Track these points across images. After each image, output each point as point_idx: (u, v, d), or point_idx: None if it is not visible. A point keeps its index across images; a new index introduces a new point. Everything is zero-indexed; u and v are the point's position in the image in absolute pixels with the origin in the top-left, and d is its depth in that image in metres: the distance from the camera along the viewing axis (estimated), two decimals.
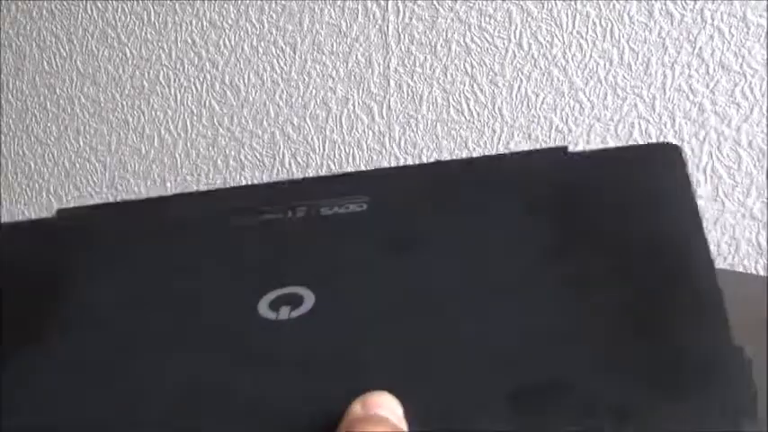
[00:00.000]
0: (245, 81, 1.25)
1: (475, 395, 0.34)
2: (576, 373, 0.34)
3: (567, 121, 0.99)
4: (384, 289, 0.40)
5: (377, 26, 1.11)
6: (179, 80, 1.32)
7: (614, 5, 0.94)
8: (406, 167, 0.49)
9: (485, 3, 1.02)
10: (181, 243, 0.46)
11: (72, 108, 1.47)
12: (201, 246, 0.45)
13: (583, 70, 0.97)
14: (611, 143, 0.96)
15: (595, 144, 0.97)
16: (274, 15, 1.20)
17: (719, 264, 0.91)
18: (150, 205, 0.51)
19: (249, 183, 1.27)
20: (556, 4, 0.97)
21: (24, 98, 1.54)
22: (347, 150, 1.16)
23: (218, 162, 1.30)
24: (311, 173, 1.20)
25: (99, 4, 1.39)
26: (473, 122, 1.05)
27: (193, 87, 1.31)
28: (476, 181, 0.46)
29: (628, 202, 0.42)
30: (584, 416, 0.33)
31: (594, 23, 0.95)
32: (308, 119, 1.20)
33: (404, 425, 0.33)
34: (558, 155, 0.46)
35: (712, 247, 0.91)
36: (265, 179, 1.25)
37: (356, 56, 1.14)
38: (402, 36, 1.09)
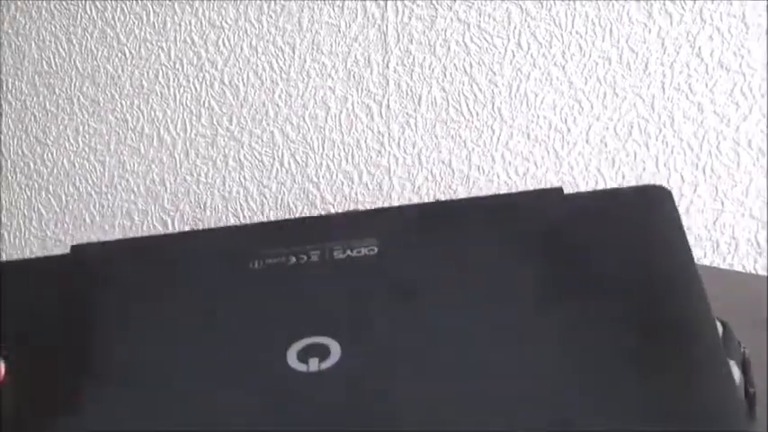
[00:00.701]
0: (245, 81, 1.25)
1: None
2: (582, 418, 0.35)
3: (566, 120, 0.99)
4: (399, 339, 0.41)
5: (376, 26, 1.11)
6: (178, 80, 1.32)
7: (613, 5, 0.94)
8: (410, 207, 0.50)
9: (484, 2, 1.02)
10: (201, 288, 0.46)
11: (71, 108, 1.47)
12: (222, 291, 0.46)
13: (582, 70, 0.97)
14: (611, 143, 0.96)
15: (595, 143, 0.97)
16: (273, 15, 1.20)
17: (719, 264, 0.91)
18: (164, 245, 0.51)
19: (243, 183, 1.27)
20: (555, 3, 0.97)
21: (23, 98, 1.54)
22: (346, 150, 1.17)
23: (218, 162, 1.30)
24: (310, 172, 1.20)
25: (98, 4, 1.39)
26: (472, 122, 1.05)
27: (192, 87, 1.31)
28: (476, 222, 0.47)
29: (624, 245, 0.43)
30: None
31: (594, 23, 0.95)
32: (307, 118, 1.20)
33: None
34: (554, 196, 0.48)
35: (712, 247, 0.91)
36: (264, 179, 1.25)
37: (355, 55, 1.14)
38: (401, 36, 1.09)
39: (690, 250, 0.42)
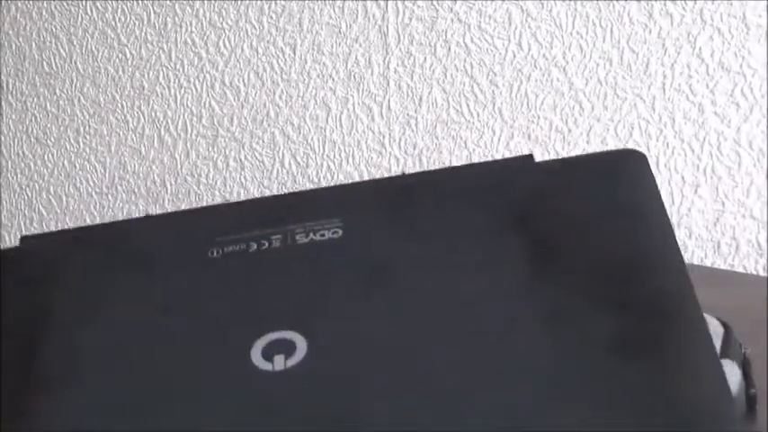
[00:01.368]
0: (245, 82, 1.25)
1: None
2: (570, 416, 0.34)
3: (566, 121, 0.99)
4: (369, 331, 0.39)
5: (376, 27, 1.11)
6: (179, 81, 1.32)
7: (614, 6, 0.94)
8: (374, 182, 0.47)
9: (484, 3, 1.02)
10: (159, 278, 0.43)
11: (72, 109, 1.47)
12: (182, 282, 0.43)
13: (583, 71, 0.97)
14: (612, 144, 0.96)
15: (596, 145, 0.97)
16: (274, 16, 1.20)
17: (720, 265, 0.91)
18: (117, 232, 0.48)
19: (244, 184, 1.27)
20: (556, 4, 0.97)
21: (24, 99, 1.54)
22: (347, 150, 1.17)
23: (218, 162, 1.30)
24: (311, 173, 1.20)
25: (99, 5, 1.40)
26: (473, 123, 1.05)
27: (193, 88, 1.31)
28: (444, 196, 0.45)
29: (597, 216, 0.41)
30: None
31: (594, 24, 0.95)
32: (307, 119, 1.20)
33: None
34: (525, 164, 0.45)
35: (713, 248, 0.91)
36: (265, 180, 1.25)
37: (356, 56, 1.14)
38: (402, 36, 1.09)
39: (667, 219, 0.40)
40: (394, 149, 1.12)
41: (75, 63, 1.45)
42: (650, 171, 0.43)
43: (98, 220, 1.47)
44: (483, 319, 0.38)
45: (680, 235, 0.93)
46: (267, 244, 0.44)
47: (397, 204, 0.45)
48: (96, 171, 1.46)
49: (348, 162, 1.17)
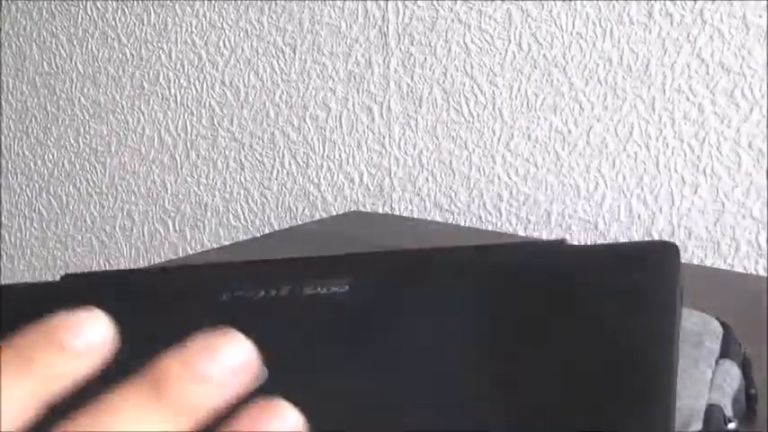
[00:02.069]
0: (245, 82, 1.25)
1: None
2: None
3: (566, 121, 0.99)
4: (340, 381, 0.40)
5: (377, 27, 1.11)
6: (179, 81, 1.32)
7: (614, 6, 0.94)
8: (389, 253, 0.49)
9: (485, 3, 1.02)
10: (166, 319, 0.46)
11: (72, 109, 1.47)
12: (184, 321, 0.45)
13: (582, 71, 0.97)
14: (611, 144, 0.96)
15: (595, 144, 0.97)
16: (274, 16, 1.20)
17: (720, 265, 0.91)
18: (149, 277, 0.51)
19: (244, 184, 1.27)
20: (556, 4, 0.97)
21: (24, 99, 1.54)
22: (347, 151, 1.17)
23: (218, 163, 1.30)
24: (311, 173, 1.20)
25: (99, 5, 1.40)
26: (473, 123, 1.05)
27: (193, 88, 1.31)
28: (462, 273, 0.46)
29: (601, 304, 0.41)
30: None
31: (594, 24, 0.95)
32: (307, 119, 1.20)
33: None
34: (551, 248, 0.47)
35: (713, 248, 0.91)
36: (265, 180, 1.25)
37: (356, 56, 1.14)
38: (402, 37, 1.09)
39: (674, 321, 0.40)
40: (394, 150, 1.12)
41: (75, 63, 1.45)
42: (676, 265, 0.44)
43: (98, 221, 1.47)
44: (455, 391, 0.38)
45: (680, 235, 0.93)
46: (276, 292, 0.46)
47: (411, 275, 0.46)
48: (96, 171, 1.46)
49: (348, 162, 1.17)
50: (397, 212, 1.13)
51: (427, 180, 1.10)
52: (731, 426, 0.43)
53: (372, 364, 0.41)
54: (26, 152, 1.56)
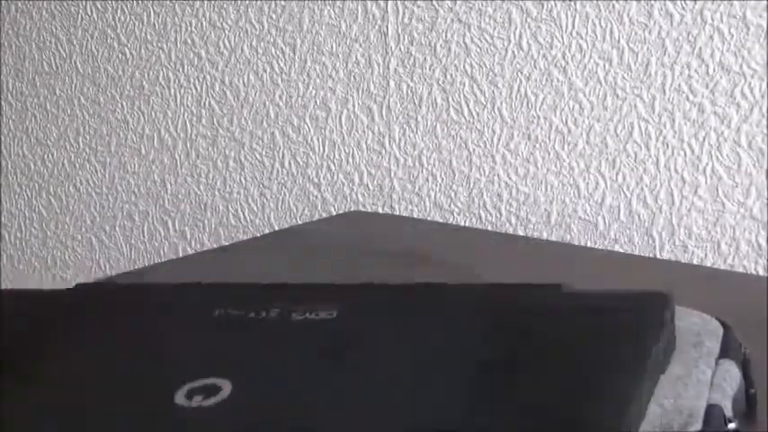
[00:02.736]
0: (245, 82, 1.25)
1: None
2: None
3: (566, 121, 0.99)
4: (303, 388, 0.41)
5: (376, 27, 1.11)
6: (179, 81, 1.32)
7: (614, 6, 0.94)
8: (381, 286, 0.51)
9: (484, 3, 1.02)
10: (164, 328, 0.48)
11: (72, 109, 1.47)
12: (171, 335, 0.47)
13: (582, 71, 0.97)
14: (611, 144, 0.96)
15: (595, 144, 0.97)
16: (274, 16, 1.20)
17: (720, 265, 0.91)
18: (153, 291, 0.54)
19: (244, 184, 1.27)
20: (555, 4, 0.98)
21: (24, 99, 1.54)
22: (347, 151, 1.17)
23: (218, 163, 1.30)
24: (311, 173, 1.20)
25: (99, 5, 1.40)
26: (473, 123, 1.05)
27: (193, 88, 1.31)
28: (457, 307, 0.48)
29: (574, 347, 0.43)
30: None
31: (594, 24, 0.96)
32: (307, 119, 1.20)
33: None
34: (547, 293, 0.48)
35: (713, 249, 0.91)
36: (265, 180, 1.25)
37: (356, 56, 1.14)
38: (402, 37, 1.09)
39: (646, 370, 0.41)
40: (394, 150, 1.12)
41: (75, 63, 1.45)
42: (665, 316, 0.45)
43: (98, 221, 1.47)
44: (425, 415, 0.39)
45: (680, 235, 0.93)
46: (266, 313, 0.49)
47: (400, 305, 0.49)
48: (96, 171, 1.46)
49: (348, 162, 1.17)
50: (397, 212, 1.13)
51: (427, 180, 1.10)
52: (731, 426, 0.43)
53: (356, 378, 0.42)
54: (26, 152, 1.56)
